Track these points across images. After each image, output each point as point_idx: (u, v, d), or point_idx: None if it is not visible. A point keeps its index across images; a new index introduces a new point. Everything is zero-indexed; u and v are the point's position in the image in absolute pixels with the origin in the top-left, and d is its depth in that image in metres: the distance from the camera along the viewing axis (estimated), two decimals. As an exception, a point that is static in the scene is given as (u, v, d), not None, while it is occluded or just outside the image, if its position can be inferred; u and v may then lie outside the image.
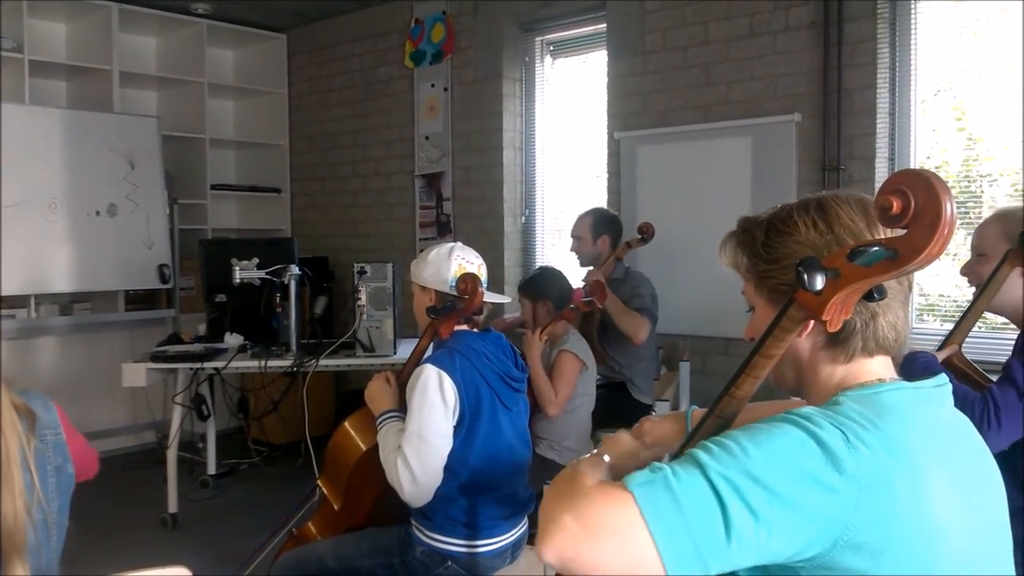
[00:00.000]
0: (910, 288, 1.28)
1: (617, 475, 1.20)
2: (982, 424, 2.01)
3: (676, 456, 1.15)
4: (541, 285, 3.79)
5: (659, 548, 1.03)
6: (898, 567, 1.09)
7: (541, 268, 4.11)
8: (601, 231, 4.49)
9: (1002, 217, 2.28)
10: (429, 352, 2.69)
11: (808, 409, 1.15)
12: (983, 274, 2.23)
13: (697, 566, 1.04)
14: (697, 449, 1.10)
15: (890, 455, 1.10)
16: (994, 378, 2.29)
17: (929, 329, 4.25)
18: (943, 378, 1.28)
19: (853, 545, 1.07)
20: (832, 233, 1.23)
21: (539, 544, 1.10)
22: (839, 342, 1.25)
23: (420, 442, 2.42)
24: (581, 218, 4.56)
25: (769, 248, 1.28)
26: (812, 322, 1.17)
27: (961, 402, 2.01)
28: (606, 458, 1.39)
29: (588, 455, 1.39)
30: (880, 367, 1.27)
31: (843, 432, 1.10)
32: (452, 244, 2.73)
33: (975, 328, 2.38)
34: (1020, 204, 2.37)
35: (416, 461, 2.42)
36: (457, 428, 2.50)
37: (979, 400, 2.07)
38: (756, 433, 1.11)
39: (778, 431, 1.11)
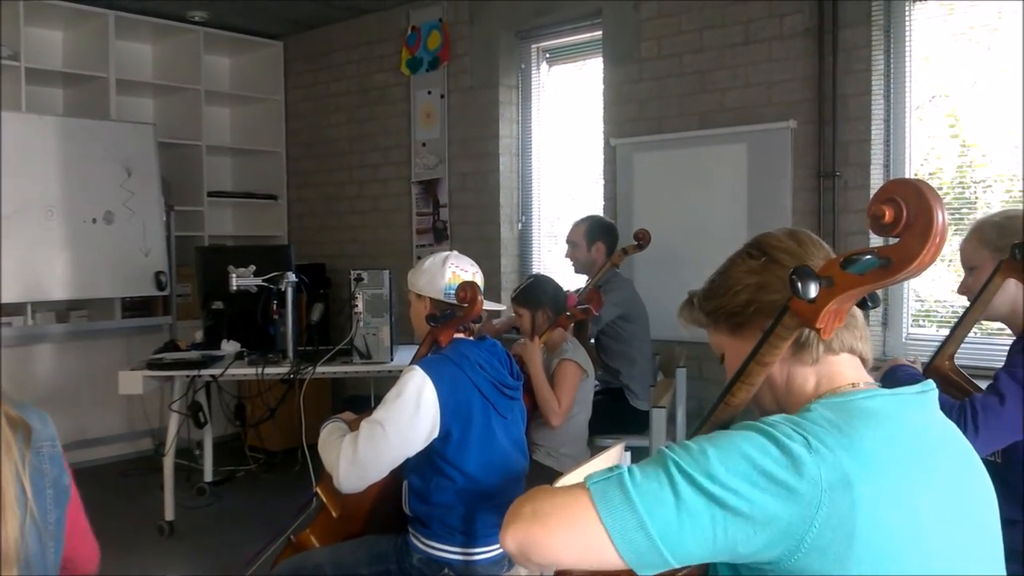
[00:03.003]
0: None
1: None
2: (964, 431, 2.01)
3: None
4: (537, 293, 3.79)
5: (613, 540, 1.08)
6: (865, 569, 1.10)
7: (533, 276, 4.11)
8: (596, 238, 4.51)
9: (978, 228, 2.30)
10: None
11: (775, 417, 1.18)
12: (977, 287, 2.24)
13: (654, 556, 1.09)
14: (661, 447, 1.16)
15: (855, 459, 1.12)
16: (985, 386, 2.30)
17: (925, 335, 4.26)
18: (928, 384, 1.30)
19: (818, 548, 1.09)
20: (766, 255, 1.32)
21: (501, 533, 1.17)
22: (801, 346, 1.28)
23: (378, 430, 2.42)
24: (576, 225, 4.59)
25: (715, 286, 1.38)
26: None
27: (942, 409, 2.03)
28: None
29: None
30: (851, 369, 1.30)
31: (805, 437, 1.12)
32: (447, 253, 2.74)
33: (970, 334, 2.38)
34: (992, 213, 2.39)
35: (365, 444, 2.42)
36: (446, 438, 2.50)
37: (956, 407, 2.08)
38: (718, 437, 1.15)
39: (739, 436, 1.14)
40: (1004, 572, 1.26)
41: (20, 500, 1.43)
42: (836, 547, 1.09)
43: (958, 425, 1.97)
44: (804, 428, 1.14)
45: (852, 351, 1.30)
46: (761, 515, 1.08)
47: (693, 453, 1.11)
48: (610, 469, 1.14)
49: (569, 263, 4.66)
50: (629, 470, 1.12)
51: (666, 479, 1.10)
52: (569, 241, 4.59)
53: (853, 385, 1.27)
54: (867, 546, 1.09)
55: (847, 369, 1.29)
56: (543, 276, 4.03)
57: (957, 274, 2.39)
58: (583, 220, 4.62)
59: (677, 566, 1.10)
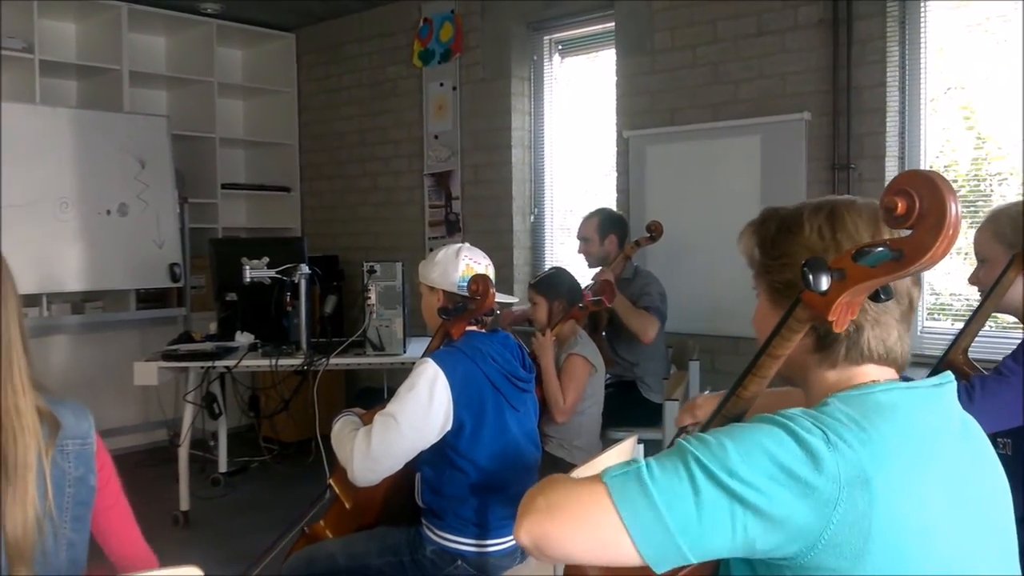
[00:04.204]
0: (911, 307, 1.28)
1: None
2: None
3: None
4: (556, 284, 3.79)
5: (632, 536, 1.07)
6: (880, 567, 1.09)
7: (555, 268, 4.12)
8: (608, 231, 4.50)
9: (992, 219, 2.28)
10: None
11: (793, 410, 1.16)
12: (988, 280, 2.23)
13: (672, 552, 1.08)
14: (679, 440, 1.14)
15: (872, 455, 1.10)
16: None
17: (941, 328, 4.23)
18: (946, 376, 1.27)
19: (834, 544, 1.08)
20: (834, 239, 1.24)
21: (515, 528, 1.15)
22: (824, 347, 1.25)
23: (392, 423, 2.43)
24: (587, 219, 4.58)
25: (775, 244, 1.30)
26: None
27: None
28: None
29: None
30: (874, 373, 1.26)
31: (824, 432, 1.11)
32: (460, 245, 2.74)
33: (986, 327, 2.37)
34: (1008, 203, 2.37)
35: (379, 437, 2.42)
36: (459, 431, 2.50)
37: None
38: (736, 431, 1.13)
39: (759, 430, 1.12)
40: (1018, 570, 1.25)
41: (42, 495, 1.43)
42: (852, 544, 1.08)
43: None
44: (823, 422, 1.12)
45: (877, 362, 1.25)
46: (780, 511, 1.07)
47: (712, 447, 1.10)
48: (627, 463, 1.12)
49: (582, 258, 4.65)
50: (647, 464, 1.11)
51: (685, 474, 1.08)
52: (581, 237, 4.57)
53: (874, 381, 1.24)
54: (882, 543, 1.08)
55: (871, 372, 1.26)
56: (563, 269, 4.03)
57: (972, 267, 2.38)
58: (593, 214, 4.61)
59: (694, 562, 1.09)
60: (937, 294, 4.34)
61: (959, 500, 1.17)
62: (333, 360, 4.37)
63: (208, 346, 4.70)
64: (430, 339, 2.77)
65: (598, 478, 1.12)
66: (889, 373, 1.27)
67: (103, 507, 1.61)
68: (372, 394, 5.90)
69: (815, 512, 1.07)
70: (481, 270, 2.67)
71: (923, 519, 1.12)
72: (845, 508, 1.07)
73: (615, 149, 5.31)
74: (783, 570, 1.13)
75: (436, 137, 6.23)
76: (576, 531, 1.10)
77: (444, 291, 2.68)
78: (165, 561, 1.66)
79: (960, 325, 2.42)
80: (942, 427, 1.22)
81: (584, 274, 4.49)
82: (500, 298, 2.70)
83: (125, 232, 5.86)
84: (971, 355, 2.32)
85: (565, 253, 5.74)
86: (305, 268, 4.48)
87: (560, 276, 3.87)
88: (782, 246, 1.28)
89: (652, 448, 3.78)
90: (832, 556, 1.08)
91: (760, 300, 1.34)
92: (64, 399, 1.55)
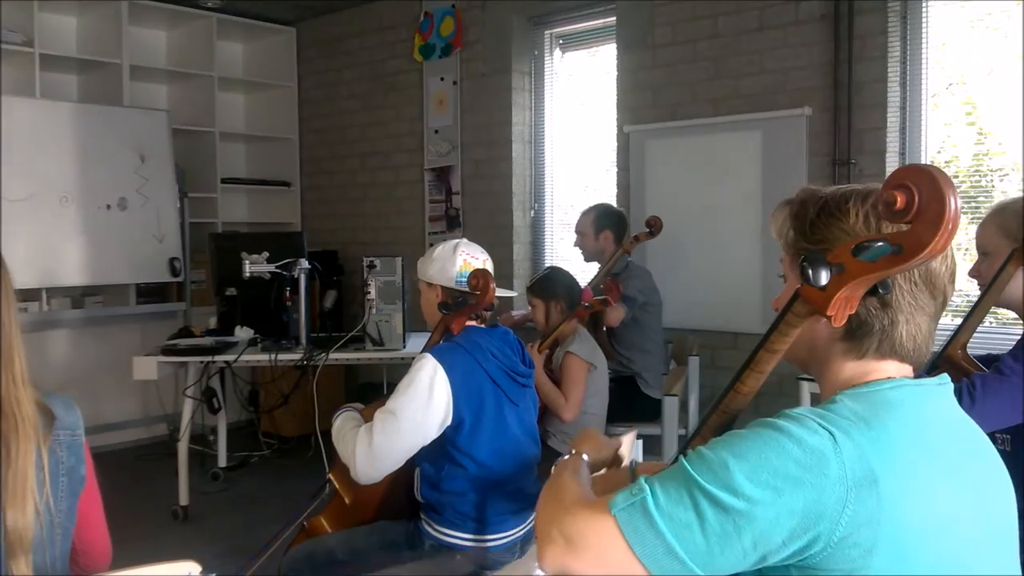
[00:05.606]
0: (944, 305, 1.26)
1: (594, 468, 1.53)
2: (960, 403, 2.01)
3: (684, 450, 1.19)
4: (553, 285, 3.77)
5: (647, 567, 1.09)
6: (889, 566, 1.08)
7: (551, 268, 4.09)
8: (603, 226, 4.51)
9: (998, 213, 2.28)
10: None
11: (800, 410, 1.15)
12: (989, 273, 2.23)
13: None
14: (682, 460, 1.13)
15: (880, 453, 1.10)
16: None
17: (941, 324, 4.20)
18: (945, 377, 1.27)
19: (844, 545, 1.07)
20: (879, 229, 1.18)
21: (538, 557, 1.18)
22: (855, 338, 1.23)
23: (391, 418, 2.43)
24: (583, 214, 4.59)
25: (815, 228, 1.24)
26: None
27: None
28: (585, 457, 1.51)
29: (568, 456, 1.52)
30: (892, 369, 1.25)
31: (831, 432, 1.10)
32: (457, 240, 2.73)
33: (985, 322, 2.37)
34: (1014, 198, 2.36)
35: (380, 435, 2.43)
36: (458, 426, 2.50)
37: (956, 386, 2.06)
38: (738, 443, 1.12)
39: (760, 440, 1.11)
40: (1019, 569, 1.25)
41: (39, 485, 1.45)
42: (862, 543, 1.07)
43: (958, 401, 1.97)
44: (829, 421, 1.11)
45: (902, 359, 1.24)
46: (788, 520, 1.06)
47: (714, 467, 1.09)
48: (631, 492, 1.12)
49: (578, 252, 4.66)
50: (652, 492, 1.11)
51: (690, 502, 1.08)
52: (577, 231, 4.60)
53: (888, 377, 1.23)
54: (890, 542, 1.08)
55: (889, 369, 1.24)
56: (559, 268, 4.01)
57: (972, 262, 2.37)
58: (590, 209, 4.62)
59: None
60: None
61: (964, 498, 1.16)
62: (332, 355, 4.37)
63: (208, 341, 4.70)
64: (430, 334, 2.77)
65: (606, 509, 1.12)
66: (906, 371, 1.25)
67: (84, 496, 1.63)
68: (371, 390, 5.89)
69: (824, 514, 1.06)
70: (479, 265, 2.66)
71: (930, 517, 1.11)
72: (854, 508, 1.07)
73: (615, 144, 5.30)
74: (790, 571, 1.12)
75: (436, 132, 6.22)
76: (594, 566, 1.12)
77: (442, 287, 2.68)
78: (164, 556, 1.66)
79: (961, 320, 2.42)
80: (947, 425, 1.22)
81: (580, 268, 4.50)
82: (500, 292, 2.70)
83: (125, 226, 5.86)
84: (971, 351, 2.31)
85: (565, 248, 5.73)
86: (305, 263, 4.48)
87: (556, 277, 3.84)
88: (823, 231, 1.23)
89: (651, 444, 3.78)
90: (842, 556, 1.08)
91: (787, 284, 1.32)
92: (51, 393, 1.56)
